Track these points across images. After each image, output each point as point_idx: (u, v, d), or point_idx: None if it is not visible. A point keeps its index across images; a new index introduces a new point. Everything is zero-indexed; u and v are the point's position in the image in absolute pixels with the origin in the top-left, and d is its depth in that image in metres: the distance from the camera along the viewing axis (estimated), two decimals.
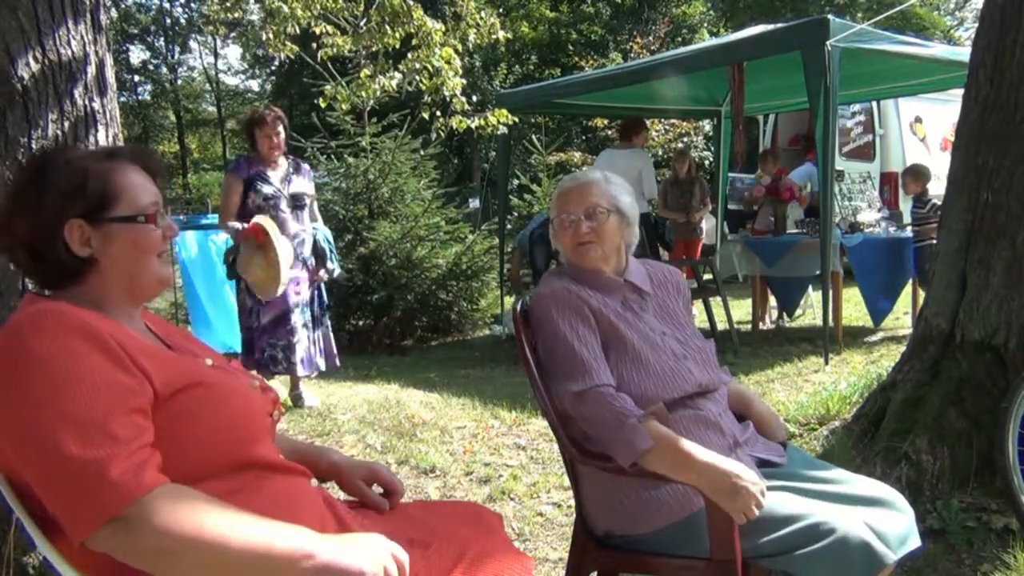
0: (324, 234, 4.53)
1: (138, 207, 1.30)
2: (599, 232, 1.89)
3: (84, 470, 1.03)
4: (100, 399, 1.09)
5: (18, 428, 1.08)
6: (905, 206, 8.30)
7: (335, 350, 4.58)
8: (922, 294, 4.61)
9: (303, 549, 1.09)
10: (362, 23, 6.34)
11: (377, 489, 1.58)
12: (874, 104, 9.16)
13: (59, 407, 1.07)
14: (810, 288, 6.91)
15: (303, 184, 4.37)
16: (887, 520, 1.61)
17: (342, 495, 1.57)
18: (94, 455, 1.04)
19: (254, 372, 3.74)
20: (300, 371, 4.31)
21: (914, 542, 1.66)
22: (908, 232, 6.39)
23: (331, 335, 4.59)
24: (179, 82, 34.70)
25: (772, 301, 7.22)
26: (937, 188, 5.88)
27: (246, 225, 4.03)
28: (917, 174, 6.26)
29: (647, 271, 2.00)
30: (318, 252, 4.43)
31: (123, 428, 1.08)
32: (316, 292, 4.45)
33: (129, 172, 1.32)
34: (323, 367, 4.51)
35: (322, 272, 4.44)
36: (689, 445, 1.60)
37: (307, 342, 4.35)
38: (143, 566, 1.07)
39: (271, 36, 6.19)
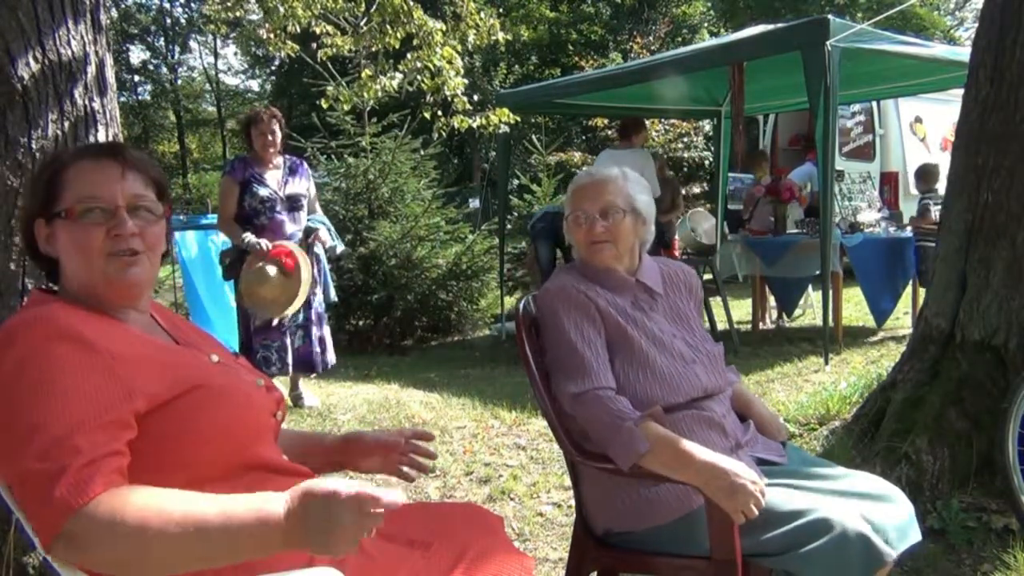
0: (318, 219, 4.49)
1: (71, 202, 1.23)
2: (614, 232, 1.86)
3: (37, 483, 1.01)
4: (74, 410, 1.06)
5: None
6: (905, 206, 8.32)
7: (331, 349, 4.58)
8: (923, 294, 4.61)
9: (268, 516, 1.01)
10: (362, 23, 6.34)
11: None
12: (874, 104, 9.16)
13: (33, 416, 1.05)
14: (810, 288, 6.90)
15: (300, 185, 4.36)
16: (887, 515, 1.61)
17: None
18: (48, 468, 1.01)
19: None
20: (289, 371, 4.30)
21: (915, 536, 1.66)
22: (908, 232, 6.39)
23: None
24: (179, 82, 34.71)
25: (772, 301, 7.21)
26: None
27: (269, 244, 4.04)
28: (923, 173, 6.30)
29: (660, 270, 1.97)
30: (308, 232, 4.37)
31: (88, 441, 1.04)
32: (318, 290, 4.44)
33: (87, 168, 1.26)
34: (332, 361, 4.50)
35: (326, 242, 4.36)
36: (688, 445, 1.60)
37: (300, 341, 4.35)
38: (107, 572, 1.03)
39: (271, 36, 6.19)
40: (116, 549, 1.00)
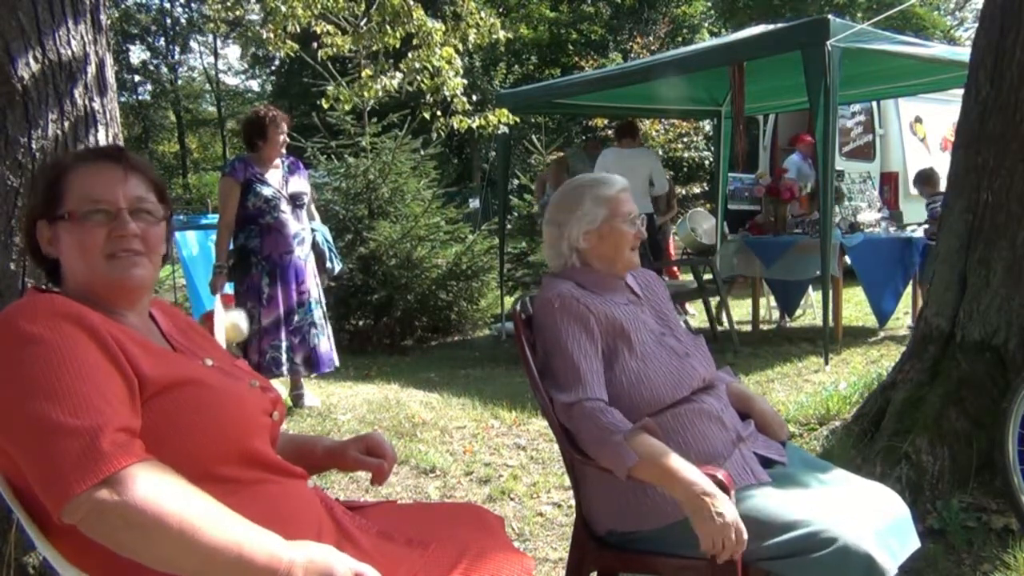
0: (323, 234, 4.53)
1: (74, 204, 1.26)
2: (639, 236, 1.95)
3: (75, 435, 1.03)
4: (90, 379, 1.09)
5: (10, 402, 1.08)
6: (905, 206, 8.32)
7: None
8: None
9: (277, 564, 1.06)
10: (362, 23, 6.34)
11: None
12: (874, 104, 9.16)
13: (51, 383, 1.07)
14: (810, 288, 6.90)
15: (301, 183, 4.37)
16: (888, 525, 1.61)
17: (340, 496, 1.57)
18: (86, 423, 1.04)
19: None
20: (302, 371, 4.31)
21: (913, 543, 1.65)
22: (909, 232, 6.39)
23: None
24: (179, 82, 34.72)
25: (772, 301, 7.20)
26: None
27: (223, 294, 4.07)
28: (925, 178, 6.38)
29: (633, 275, 2.03)
30: (317, 252, 4.44)
31: (111, 407, 1.08)
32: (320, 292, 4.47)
33: (89, 171, 1.29)
34: (336, 363, 4.52)
35: (324, 275, 4.44)
36: (675, 461, 1.57)
37: (315, 340, 4.36)
38: (109, 539, 1.03)
39: (272, 36, 6.20)
40: (143, 517, 1.01)
